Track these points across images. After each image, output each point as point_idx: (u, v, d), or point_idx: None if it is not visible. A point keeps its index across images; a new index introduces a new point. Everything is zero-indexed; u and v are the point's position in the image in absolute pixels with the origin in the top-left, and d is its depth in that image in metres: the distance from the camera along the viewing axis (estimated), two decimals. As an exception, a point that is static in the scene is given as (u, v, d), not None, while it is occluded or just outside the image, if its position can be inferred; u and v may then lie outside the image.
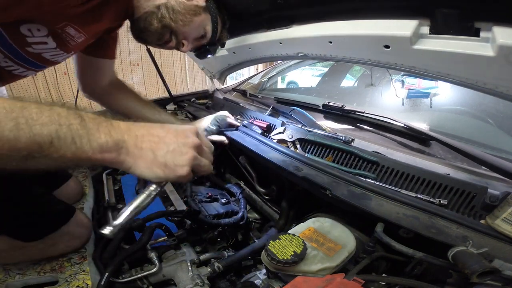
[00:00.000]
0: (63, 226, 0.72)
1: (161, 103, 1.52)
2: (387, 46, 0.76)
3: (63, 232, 0.72)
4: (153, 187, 0.51)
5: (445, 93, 1.17)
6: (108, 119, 0.46)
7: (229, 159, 1.32)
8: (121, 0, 0.78)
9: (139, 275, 0.71)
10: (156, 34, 0.84)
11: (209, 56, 1.04)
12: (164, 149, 0.48)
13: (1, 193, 0.62)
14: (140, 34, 0.86)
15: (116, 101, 1.09)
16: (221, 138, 1.09)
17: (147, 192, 0.50)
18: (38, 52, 0.72)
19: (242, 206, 1.12)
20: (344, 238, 0.67)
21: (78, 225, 0.76)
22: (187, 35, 0.89)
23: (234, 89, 1.72)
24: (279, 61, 1.99)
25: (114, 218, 0.48)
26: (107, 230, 0.46)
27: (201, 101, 1.76)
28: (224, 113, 1.15)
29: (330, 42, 0.90)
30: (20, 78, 0.80)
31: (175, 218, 0.95)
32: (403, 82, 1.26)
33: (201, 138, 0.54)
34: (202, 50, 0.99)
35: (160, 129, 0.50)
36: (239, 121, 1.20)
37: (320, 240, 0.66)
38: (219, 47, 1.07)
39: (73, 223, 0.75)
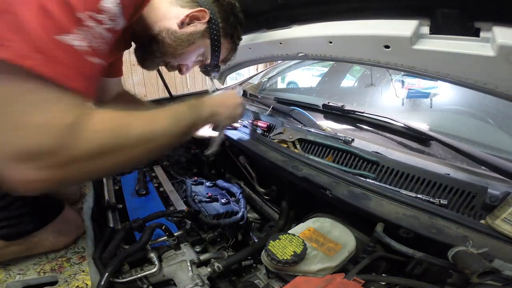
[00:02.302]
0: (48, 224, 0.72)
1: (161, 103, 1.51)
2: (387, 46, 0.76)
3: (48, 230, 0.72)
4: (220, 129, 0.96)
5: (445, 93, 1.16)
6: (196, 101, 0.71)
7: (229, 159, 1.32)
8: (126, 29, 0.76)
9: (139, 275, 0.71)
10: (151, 65, 0.85)
11: (213, 75, 0.98)
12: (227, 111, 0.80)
13: None
14: (139, 64, 0.86)
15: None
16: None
17: (219, 131, 0.96)
18: None
19: (242, 206, 1.12)
20: (344, 238, 0.67)
21: (65, 222, 0.75)
22: (183, 62, 0.85)
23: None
24: (279, 61, 1.99)
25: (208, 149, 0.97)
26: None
27: (201, 101, 1.76)
28: None
29: (330, 42, 0.89)
30: None
31: (175, 218, 0.95)
32: (403, 82, 1.26)
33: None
34: (205, 70, 0.93)
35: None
36: (239, 121, 1.20)
37: (320, 240, 0.66)
38: (222, 66, 0.99)
39: (60, 220, 0.74)
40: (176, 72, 0.90)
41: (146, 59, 0.83)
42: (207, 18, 0.76)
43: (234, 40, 0.88)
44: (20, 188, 0.40)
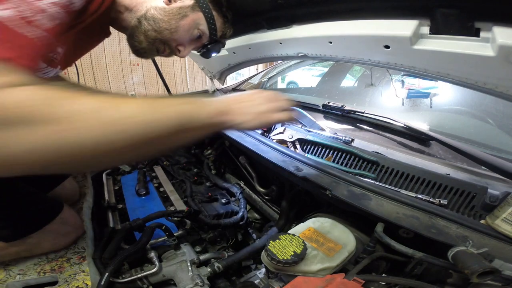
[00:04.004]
0: (46, 225, 0.72)
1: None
2: (387, 46, 0.76)
3: (47, 231, 0.72)
4: None
5: (445, 93, 1.17)
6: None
7: (229, 159, 1.32)
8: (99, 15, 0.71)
9: (139, 275, 0.71)
10: (149, 50, 0.81)
11: (213, 54, 0.95)
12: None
13: None
14: (136, 52, 0.83)
15: None
16: None
17: None
18: None
19: (242, 206, 1.12)
20: (344, 238, 0.67)
21: (63, 223, 0.76)
22: (180, 40, 0.81)
23: (234, 89, 1.72)
24: (279, 61, 1.99)
25: None
26: None
27: (201, 101, 1.76)
28: None
29: (330, 42, 0.89)
30: None
31: (175, 218, 0.95)
32: (403, 82, 1.26)
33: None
34: (205, 50, 0.90)
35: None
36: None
37: (320, 240, 0.66)
38: (223, 43, 0.96)
39: (58, 221, 0.75)
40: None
41: (141, 45, 0.79)
42: None
43: (224, 13, 0.86)
44: None
